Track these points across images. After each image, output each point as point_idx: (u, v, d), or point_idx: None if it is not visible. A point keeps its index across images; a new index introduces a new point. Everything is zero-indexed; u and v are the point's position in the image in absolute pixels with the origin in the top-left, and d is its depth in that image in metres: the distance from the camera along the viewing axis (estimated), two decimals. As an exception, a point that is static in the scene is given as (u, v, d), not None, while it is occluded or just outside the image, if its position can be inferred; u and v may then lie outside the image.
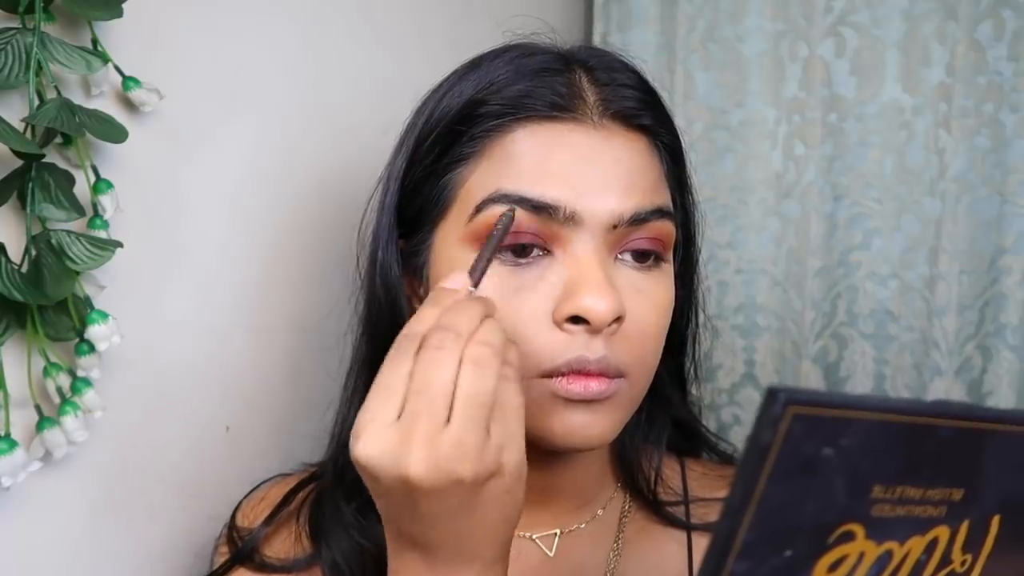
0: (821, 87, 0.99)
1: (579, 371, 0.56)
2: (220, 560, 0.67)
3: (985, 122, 0.93)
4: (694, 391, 0.72)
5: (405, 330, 0.49)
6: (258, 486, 0.72)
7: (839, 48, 0.99)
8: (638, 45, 1.07)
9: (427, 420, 0.46)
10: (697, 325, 0.69)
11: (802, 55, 1.00)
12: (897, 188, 0.98)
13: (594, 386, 0.56)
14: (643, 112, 0.60)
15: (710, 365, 1.07)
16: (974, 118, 0.93)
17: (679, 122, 0.66)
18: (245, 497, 0.71)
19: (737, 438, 1.02)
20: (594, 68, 0.60)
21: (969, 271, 0.95)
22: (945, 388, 0.95)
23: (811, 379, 1.02)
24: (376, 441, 0.46)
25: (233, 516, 0.70)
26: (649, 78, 0.63)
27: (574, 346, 0.56)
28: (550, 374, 0.56)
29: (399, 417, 0.46)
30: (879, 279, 0.99)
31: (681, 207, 0.64)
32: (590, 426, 0.57)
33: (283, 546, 0.66)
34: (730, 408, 1.08)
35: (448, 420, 0.46)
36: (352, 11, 0.85)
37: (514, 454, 0.48)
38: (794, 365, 1.03)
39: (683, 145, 0.64)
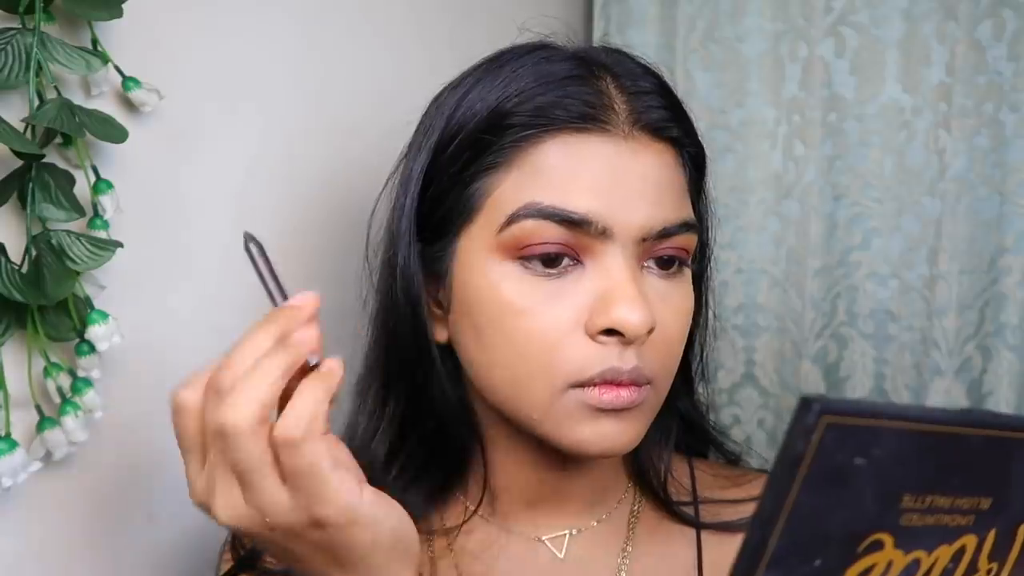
0: (821, 87, 0.99)
1: (611, 381, 0.56)
2: (225, 567, 0.67)
3: (985, 122, 0.93)
4: (701, 390, 0.73)
5: (188, 390, 0.50)
6: None
7: (839, 48, 0.99)
8: (638, 45, 1.07)
9: (223, 480, 0.48)
10: (707, 324, 0.70)
11: (802, 55, 1.00)
12: (897, 188, 0.98)
13: (625, 395, 0.56)
14: (672, 125, 0.60)
15: (711, 365, 1.07)
16: (974, 118, 0.93)
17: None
18: None
19: (736, 438, 1.02)
20: (619, 74, 0.60)
21: (969, 271, 0.95)
22: (945, 388, 0.95)
23: (811, 379, 1.02)
24: (195, 482, 0.51)
25: None
26: (669, 81, 0.63)
27: (607, 357, 0.56)
28: (582, 384, 0.56)
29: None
30: (879, 279, 0.99)
31: (699, 213, 0.64)
32: (619, 434, 0.58)
33: None
34: (730, 408, 1.08)
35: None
36: (352, 10, 0.85)
37: (330, 509, 0.47)
38: (794, 365, 1.03)
39: (706, 153, 0.64)
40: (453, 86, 0.62)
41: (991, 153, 0.93)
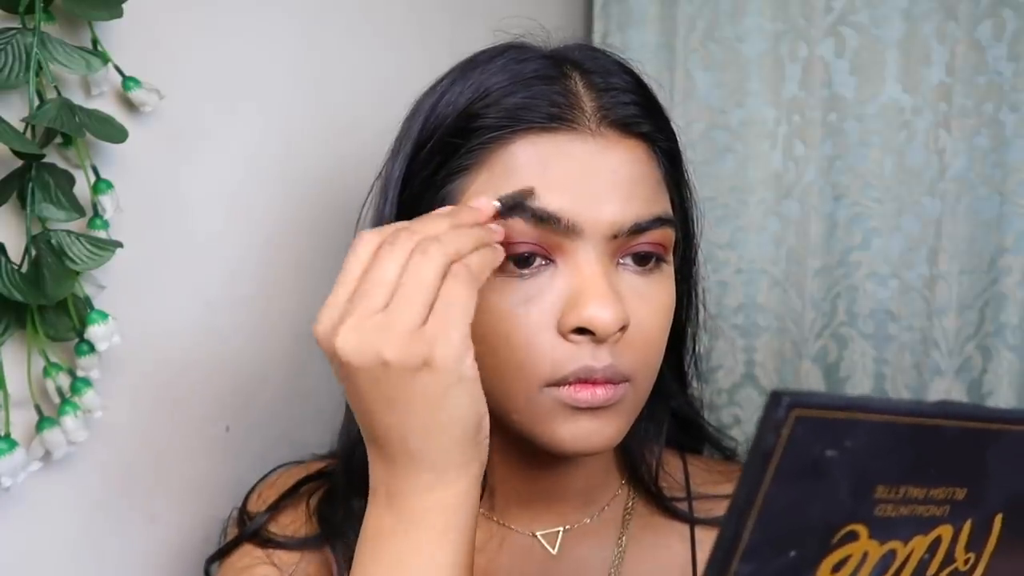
0: (821, 87, 0.99)
1: (586, 380, 0.56)
2: (229, 539, 0.68)
3: (985, 122, 0.93)
4: (695, 385, 0.72)
5: (373, 230, 0.51)
6: (272, 471, 0.73)
7: (839, 48, 0.99)
8: (638, 45, 1.08)
9: (365, 302, 0.48)
10: (698, 320, 0.69)
11: (802, 55, 1.00)
12: (897, 188, 0.98)
13: (601, 393, 0.56)
14: (641, 120, 0.59)
15: (710, 365, 1.07)
16: (974, 118, 0.93)
17: (679, 122, 0.65)
18: (259, 482, 0.72)
19: (736, 439, 1.02)
20: (590, 71, 0.60)
21: (969, 271, 0.95)
22: (945, 388, 0.95)
23: (811, 379, 1.02)
24: (324, 318, 0.50)
25: (246, 499, 0.71)
26: (645, 78, 0.63)
27: (580, 356, 0.56)
28: (557, 383, 0.56)
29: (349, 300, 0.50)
30: (879, 279, 0.99)
31: (680, 207, 0.64)
32: (597, 432, 0.57)
33: (291, 527, 0.67)
34: (730, 408, 1.08)
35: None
36: (352, 10, 0.85)
37: (448, 350, 0.48)
38: (794, 365, 1.03)
39: (680, 146, 0.64)
40: (427, 93, 0.63)
41: (991, 153, 0.93)
